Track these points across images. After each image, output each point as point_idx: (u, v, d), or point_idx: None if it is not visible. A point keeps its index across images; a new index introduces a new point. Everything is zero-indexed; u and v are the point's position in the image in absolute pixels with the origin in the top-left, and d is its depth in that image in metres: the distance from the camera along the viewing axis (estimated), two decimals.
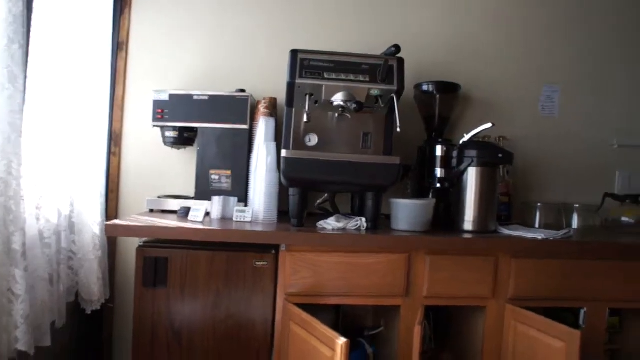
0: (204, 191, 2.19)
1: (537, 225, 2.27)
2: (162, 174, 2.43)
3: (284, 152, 1.88)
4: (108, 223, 1.83)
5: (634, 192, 2.44)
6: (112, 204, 2.38)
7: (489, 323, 1.95)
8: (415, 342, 1.68)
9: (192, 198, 2.23)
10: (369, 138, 1.96)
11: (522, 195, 2.53)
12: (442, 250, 1.90)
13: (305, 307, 1.92)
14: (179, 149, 2.31)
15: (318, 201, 2.02)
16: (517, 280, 1.94)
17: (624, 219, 2.31)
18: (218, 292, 1.90)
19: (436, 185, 2.18)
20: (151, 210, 2.22)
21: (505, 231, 2.04)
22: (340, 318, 2.29)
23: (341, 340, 1.54)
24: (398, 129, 1.87)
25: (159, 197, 2.24)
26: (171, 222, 1.91)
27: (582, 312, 1.99)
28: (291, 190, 1.94)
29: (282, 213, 2.08)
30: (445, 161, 2.16)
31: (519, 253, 1.94)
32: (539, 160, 2.58)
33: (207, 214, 2.09)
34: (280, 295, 1.87)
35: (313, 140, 1.94)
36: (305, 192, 1.94)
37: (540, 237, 1.94)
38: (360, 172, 1.87)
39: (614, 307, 2.10)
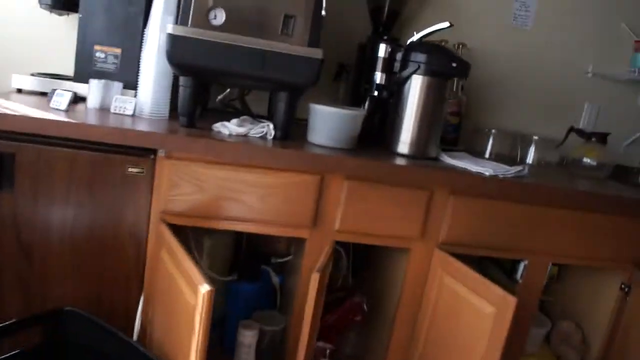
0: (85, 72, 1.59)
1: (487, 155, 1.79)
2: (43, 47, 1.81)
3: (169, 27, 1.31)
4: None
5: (601, 129, 1.97)
6: None
7: (412, 268, 1.50)
8: (311, 292, 1.22)
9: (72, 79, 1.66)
10: (292, 23, 1.38)
11: (474, 118, 2.02)
12: (365, 176, 1.41)
13: (195, 230, 1.44)
14: (60, 14, 1.70)
15: (219, 97, 1.48)
16: (453, 222, 1.47)
17: (585, 159, 1.85)
18: (80, 203, 1.38)
19: (373, 93, 1.65)
20: (19, 91, 1.65)
21: (448, 159, 1.55)
22: (243, 240, 1.81)
23: (204, 288, 1.06)
24: (323, 12, 1.31)
25: (32, 75, 1.67)
26: (17, 106, 1.36)
27: (522, 264, 1.57)
28: (182, 80, 1.38)
29: None
30: (388, 65, 1.62)
31: (460, 189, 1.47)
32: (500, 79, 2.05)
33: (82, 100, 1.53)
34: (155, 213, 1.37)
35: (219, 17, 1.36)
36: (200, 84, 1.39)
37: (487, 173, 1.46)
38: (268, 64, 1.32)
39: (558, 263, 1.67)
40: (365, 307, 1.63)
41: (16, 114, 1.27)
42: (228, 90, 1.47)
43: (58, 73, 1.75)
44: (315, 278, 1.21)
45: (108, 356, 1.29)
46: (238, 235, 1.75)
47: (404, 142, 1.52)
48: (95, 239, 1.40)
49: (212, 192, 1.35)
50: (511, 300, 1.22)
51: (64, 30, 1.79)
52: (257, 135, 1.42)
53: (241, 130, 1.41)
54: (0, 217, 1.35)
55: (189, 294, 1.13)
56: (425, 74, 1.48)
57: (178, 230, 1.55)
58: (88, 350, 1.33)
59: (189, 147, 1.30)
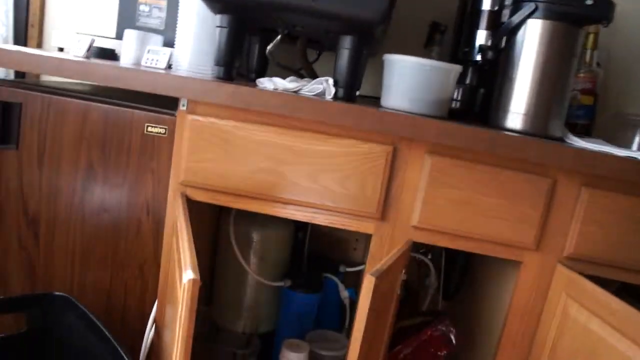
0: (127, 28, 1.33)
1: (636, 149, 1.25)
2: (95, 6, 1.56)
3: None
4: None
5: None
6: (32, 42, 1.58)
7: (523, 290, 0.99)
8: (363, 303, 0.77)
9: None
10: None
11: (614, 101, 1.44)
12: (457, 150, 0.95)
13: (242, 218, 1.08)
14: None
15: (269, 47, 1.12)
16: (585, 228, 0.96)
17: None
18: (91, 167, 1.07)
19: (475, 57, 1.20)
20: (61, 50, 1.41)
21: (579, 142, 1.06)
22: (307, 237, 1.40)
23: (187, 276, 0.67)
24: None
25: (77, 34, 1.42)
26: (31, 50, 1.09)
27: None
28: (219, 19, 1.04)
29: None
30: (495, 20, 1.17)
31: (597, 180, 0.96)
32: None
33: (114, 57, 1.25)
34: (174, 184, 1.01)
35: None
36: (239, 25, 1.03)
37: None
38: None
39: None
40: (453, 338, 1.14)
41: (12, 49, 1.00)
42: (279, 37, 1.10)
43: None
44: (369, 283, 0.78)
45: (91, 358, 0.94)
46: (299, 232, 1.36)
47: (516, 113, 1.04)
48: (106, 213, 1.08)
49: (244, 160, 0.97)
50: None
51: None
52: (312, 94, 1.03)
53: (291, 85, 1.03)
54: (5, 178, 1.08)
55: (179, 281, 0.75)
56: (545, 17, 1.00)
57: (216, 216, 1.20)
58: (72, 347, 0.99)
59: (212, 93, 0.92)
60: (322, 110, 0.91)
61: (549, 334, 0.96)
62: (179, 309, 0.66)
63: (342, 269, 1.40)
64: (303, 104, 0.91)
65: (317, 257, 1.42)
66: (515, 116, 1.04)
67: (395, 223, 0.98)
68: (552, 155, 0.92)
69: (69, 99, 1.06)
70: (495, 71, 1.13)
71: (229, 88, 0.92)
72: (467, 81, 1.24)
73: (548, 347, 0.95)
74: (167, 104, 1.09)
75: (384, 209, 0.98)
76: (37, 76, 1.53)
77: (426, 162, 0.95)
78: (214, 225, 1.30)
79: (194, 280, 0.65)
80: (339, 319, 1.37)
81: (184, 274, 0.66)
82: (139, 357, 1.02)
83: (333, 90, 1.02)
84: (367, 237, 1.03)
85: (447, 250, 1.31)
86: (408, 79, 1.00)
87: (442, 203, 0.96)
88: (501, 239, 0.97)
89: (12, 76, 1.45)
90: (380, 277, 0.78)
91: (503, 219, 0.96)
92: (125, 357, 0.85)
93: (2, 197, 1.09)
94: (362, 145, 0.94)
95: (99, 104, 1.06)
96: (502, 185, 0.95)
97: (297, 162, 0.96)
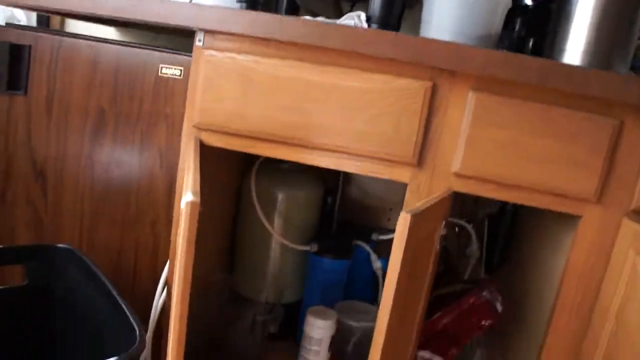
0: None
1: None
2: None
3: None
4: None
5: None
6: None
7: (582, 249, 0.85)
8: (399, 242, 0.66)
9: None
10: None
11: None
12: (506, 85, 0.83)
13: (264, 174, 0.99)
14: None
15: None
16: None
17: None
18: (102, 117, 1.00)
19: (524, 1, 1.08)
20: None
21: None
22: (336, 202, 1.29)
23: (185, 199, 0.57)
24: None
25: None
26: None
27: None
28: None
29: None
30: None
31: None
32: None
33: None
34: (187, 127, 0.92)
35: None
36: None
37: None
38: None
39: None
40: (499, 307, 1.01)
41: None
42: None
43: None
44: (404, 221, 0.66)
45: (94, 314, 0.86)
46: (328, 196, 1.25)
47: (573, 51, 0.91)
48: (117, 165, 1.00)
49: (264, 98, 0.87)
50: None
51: None
52: None
53: (318, 20, 0.93)
54: (13, 126, 1.02)
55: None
56: None
57: (241, 178, 1.12)
58: (75, 302, 0.90)
59: (229, 21, 0.83)
60: (352, 38, 0.81)
61: (613, 301, 0.82)
62: (179, 232, 0.57)
63: (374, 236, 1.27)
64: (331, 32, 0.81)
65: (347, 225, 1.31)
66: (573, 55, 0.91)
67: (433, 170, 0.87)
68: (617, 93, 0.79)
69: (79, 40, 0.99)
70: (547, 18, 1.01)
71: (249, 15, 0.83)
72: (516, 29, 1.12)
73: (612, 314, 0.82)
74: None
75: (421, 154, 0.86)
76: (61, 25, 1.48)
77: (470, 99, 0.83)
78: (237, 189, 1.21)
79: (192, 203, 0.55)
80: (370, 292, 1.25)
81: (183, 197, 0.57)
82: (149, 318, 0.94)
83: (365, 26, 0.91)
84: (402, 205, 0.92)
85: (490, 217, 1.19)
86: (449, 11, 0.88)
87: (487, 147, 0.84)
88: (556, 189, 0.84)
89: (34, 23, 1.39)
90: (417, 216, 0.67)
91: (559, 165, 0.83)
92: (128, 313, 0.76)
93: (10, 148, 1.02)
94: (397, 80, 0.83)
95: (111, 45, 0.98)
96: (557, 125, 0.82)
97: (323, 99, 0.85)
